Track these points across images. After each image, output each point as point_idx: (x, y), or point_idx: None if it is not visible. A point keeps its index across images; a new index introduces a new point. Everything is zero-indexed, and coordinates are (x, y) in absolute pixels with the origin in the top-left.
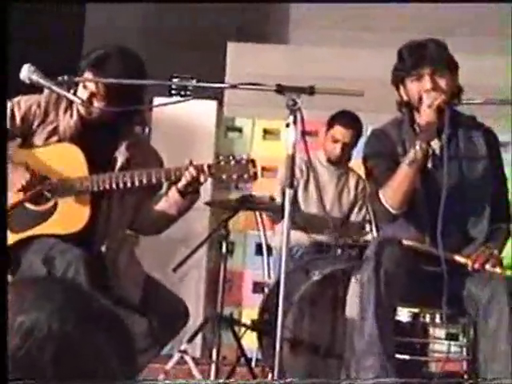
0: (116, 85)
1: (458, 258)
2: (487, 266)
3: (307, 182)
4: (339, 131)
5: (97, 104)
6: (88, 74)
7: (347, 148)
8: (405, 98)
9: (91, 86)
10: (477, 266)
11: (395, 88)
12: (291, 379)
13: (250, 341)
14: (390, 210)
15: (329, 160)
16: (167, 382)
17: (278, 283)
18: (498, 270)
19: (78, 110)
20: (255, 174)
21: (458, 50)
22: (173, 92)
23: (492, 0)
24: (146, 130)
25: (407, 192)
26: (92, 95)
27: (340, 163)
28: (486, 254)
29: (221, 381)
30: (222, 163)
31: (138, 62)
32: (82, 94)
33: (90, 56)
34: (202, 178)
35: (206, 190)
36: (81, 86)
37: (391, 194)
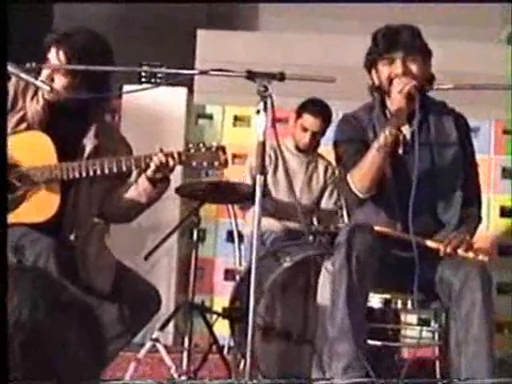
0: (81, 63)
1: (430, 244)
2: (459, 251)
3: (276, 168)
4: (308, 120)
5: (59, 81)
6: (53, 49)
7: (316, 136)
8: (376, 82)
9: (59, 61)
10: (449, 250)
11: (367, 71)
12: (262, 379)
13: (222, 328)
14: (358, 193)
15: (297, 148)
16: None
17: (249, 270)
18: (470, 254)
19: (43, 95)
20: (225, 160)
21: (431, 37)
22: (143, 79)
23: (492, 0)
24: (116, 117)
25: (375, 176)
26: (54, 71)
27: (308, 151)
28: (458, 238)
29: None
30: (192, 150)
31: (103, 42)
32: (45, 72)
33: (55, 32)
34: (171, 163)
35: (177, 180)
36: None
37: (359, 178)
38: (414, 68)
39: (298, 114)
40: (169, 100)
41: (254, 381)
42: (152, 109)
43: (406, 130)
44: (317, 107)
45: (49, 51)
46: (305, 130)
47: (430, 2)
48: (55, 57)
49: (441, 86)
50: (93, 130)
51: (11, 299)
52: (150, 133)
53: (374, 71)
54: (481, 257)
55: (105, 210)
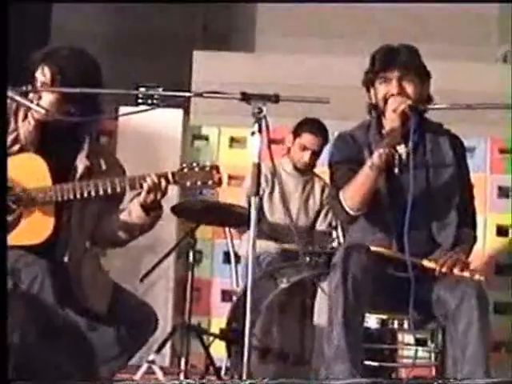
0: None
1: (426, 263)
2: (455, 270)
3: (273, 189)
4: (308, 139)
5: (46, 99)
6: (39, 67)
7: (315, 155)
8: (374, 100)
9: (44, 77)
10: (444, 270)
11: (366, 90)
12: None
13: (218, 350)
14: (349, 210)
15: (295, 167)
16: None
17: (245, 291)
18: (466, 274)
19: (33, 116)
20: (220, 179)
21: (427, 56)
22: (139, 101)
23: (492, 0)
24: (112, 139)
25: (367, 195)
26: (43, 85)
27: (306, 170)
28: (454, 258)
29: (204, 380)
30: (186, 170)
31: (89, 59)
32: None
33: (45, 48)
34: (163, 183)
35: (173, 200)
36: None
37: (350, 195)
38: (409, 88)
39: (297, 134)
40: (165, 121)
41: (253, 380)
42: (148, 130)
43: (402, 149)
44: (316, 126)
45: (35, 68)
46: (304, 149)
47: (429, 3)
48: (41, 73)
49: (436, 105)
50: (85, 150)
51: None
52: (146, 154)
53: (371, 90)
54: (477, 276)
55: (96, 234)
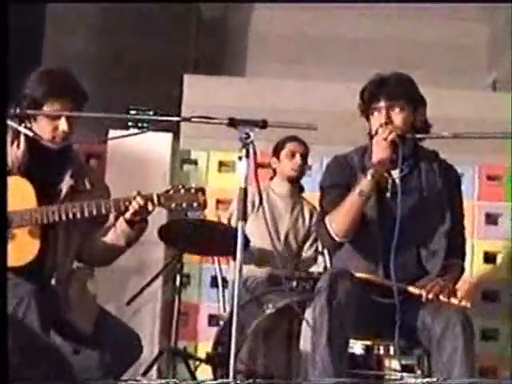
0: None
1: (412, 289)
2: (441, 297)
3: (259, 213)
4: (294, 145)
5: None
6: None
7: (304, 161)
8: (371, 130)
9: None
10: (431, 296)
11: (366, 120)
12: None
13: (205, 374)
14: (334, 236)
15: (288, 179)
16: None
17: (231, 316)
18: (452, 300)
19: (25, 141)
20: (205, 202)
21: (419, 84)
22: (129, 123)
23: (492, 0)
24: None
25: (353, 221)
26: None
27: (299, 179)
28: (440, 284)
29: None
30: (172, 192)
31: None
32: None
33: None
34: (150, 207)
35: (160, 221)
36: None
37: (337, 221)
38: (399, 116)
39: (279, 149)
40: (154, 145)
41: (250, 380)
42: (137, 154)
43: (395, 174)
44: (293, 136)
45: (43, 102)
46: (293, 155)
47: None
48: (50, 106)
49: (423, 135)
50: (70, 171)
51: None
52: (134, 178)
53: (367, 120)
54: (463, 303)
55: (83, 253)
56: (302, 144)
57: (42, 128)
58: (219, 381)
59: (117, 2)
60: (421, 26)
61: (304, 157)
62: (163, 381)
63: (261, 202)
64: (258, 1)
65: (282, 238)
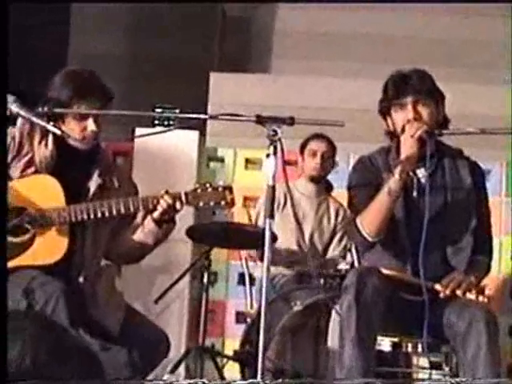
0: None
1: (438, 287)
2: (458, 292)
3: (285, 212)
4: (315, 143)
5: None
6: (80, 103)
7: (326, 160)
8: (391, 128)
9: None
10: (448, 291)
11: (383, 118)
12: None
13: (232, 371)
14: (367, 237)
15: (311, 179)
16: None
17: (259, 313)
18: (469, 295)
19: (53, 140)
20: (232, 200)
21: (438, 79)
22: (156, 122)
23: (492, 0)
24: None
25: (384, 220)
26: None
27: (321, 179)
28: (457, 280)
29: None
30: (199, 191)
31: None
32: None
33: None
34: (178, 206)
35: (188, 221)
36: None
37: (368, 222)
38: (425, 112)
39: (303, 148)
40: (180, 143)
41: (267, 381)
42: (164, 152)
43: (421, 173)
44: (318, 134)
45: (70, 104)
46: (314, 154)
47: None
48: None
49: (451, 131)
50: (98, 170)
51: (14, 346)
52: (161, 176)
53: (388, 118)
54: (481, 298)
55: (111, 251)
56: (325, 142)
57: (71, 129)
58: (248, 381)
59: (143, 2)
60: (439, 23)
61: (327, 155)
62: (192, 381)
63: (285, 202)
64: (280, 0)
65: (307, 237)
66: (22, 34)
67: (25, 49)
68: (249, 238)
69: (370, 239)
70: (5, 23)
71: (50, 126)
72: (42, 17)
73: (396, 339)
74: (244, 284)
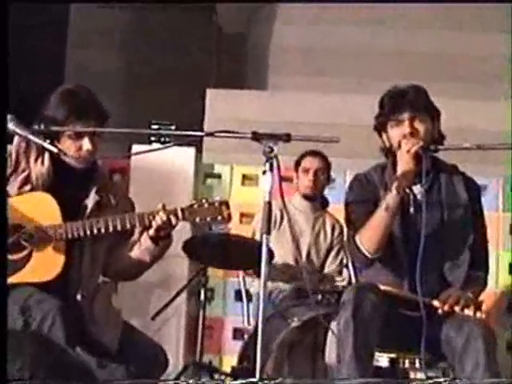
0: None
1: (436, 303)
2: (456, 308)
3: (282, 228)
4: (308, 160)
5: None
6: (75, 123)
7: (320, 176)
8: (387, 144)
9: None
10: (446, 308)
11: (378, 134)
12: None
13: None
14: (366, 253)
15: (305, 196)
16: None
17: (256, 329)
18: (467, 311)
19: (49, 158)
20: (229, 215)
21: (435, 94)
22: (152, 139)
23: (492, 0)
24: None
25: (383, 236)
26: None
27: (316, 196)
28: (455, 295)
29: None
30: (196, 206)
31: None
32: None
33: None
34: (174, 221)
35: (185, 237)
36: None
37: (367, 238)
38: (421, 128)
39: (298, 165)
40: (177, 159)
41: (272, 382)
42: (160, 168)
43: (417, 189)
44: (312, 150)
45: (66, 123)
46: (307, 171)
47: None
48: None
49: (447, 146)
50: (95, 187)
51: (13, 363)
52: (158, 192)
53: (384, 134)
54: (478, 314)
55: (109, 268)
56: (319, 158)
57: (67, 148)
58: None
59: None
60: (440, 38)
61: (321, 172)
62: None
63: (282, 218)
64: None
65: (304, 253)
66: (22, 33)
67: (25, 49)
68: (245, 252)
69: (369, 256)
70: (5, 23)
71: (46, 144)
72: (42, 17)
73: (394, 355)
74: (241, 300)
